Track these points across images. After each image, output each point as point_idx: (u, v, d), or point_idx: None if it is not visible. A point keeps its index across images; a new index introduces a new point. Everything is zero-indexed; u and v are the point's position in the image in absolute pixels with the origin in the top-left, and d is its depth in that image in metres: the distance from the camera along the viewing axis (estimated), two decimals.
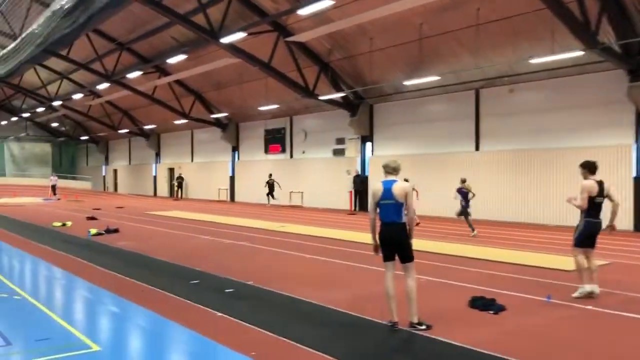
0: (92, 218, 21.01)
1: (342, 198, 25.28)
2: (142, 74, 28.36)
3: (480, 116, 20.34)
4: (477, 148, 20.42)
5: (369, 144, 24.77)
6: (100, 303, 7.69)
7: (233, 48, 20.98)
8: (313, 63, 22.68)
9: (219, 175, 34.63)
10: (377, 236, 6.33)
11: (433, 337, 5.81)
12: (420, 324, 6.03)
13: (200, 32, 19.65)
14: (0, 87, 39.37)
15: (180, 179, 37.40)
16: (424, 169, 21.54)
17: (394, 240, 6.17)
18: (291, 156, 29.23)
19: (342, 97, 23.58)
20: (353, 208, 24.21)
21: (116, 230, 16.40)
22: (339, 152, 26.08)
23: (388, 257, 6.27)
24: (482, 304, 6.93)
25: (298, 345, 5.58)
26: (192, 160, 37.88)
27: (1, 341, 5.66)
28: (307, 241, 14.07)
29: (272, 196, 28.23)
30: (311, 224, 18.74)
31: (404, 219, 6.15)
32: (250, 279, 8.87)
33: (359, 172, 24.31)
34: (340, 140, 25.92)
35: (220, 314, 6.78)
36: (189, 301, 7.46)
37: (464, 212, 15.03)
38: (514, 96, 19.11)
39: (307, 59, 22.50)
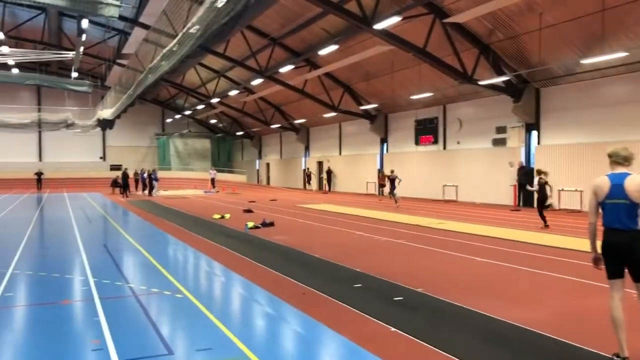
0: (249, 211, 21.39)
1: (503, 192, 23.22)
2: (293, 68, 28.52)
3: None
4: None
5: (534, 132, 22.39)
6: (262, 306, 7.13)
7: (386, 34, 20.00)
8: (472, 46, 20.95)
9: (367, 168, 34.01)
10: (598, 245, 4.94)
11: None
12: None
13: (353, 19, 18.94)
14: (165, 87, 42.39)
15: (330, 172, 37.50)
16: (602, 158, 18.83)
17: (625, 252, 4.73)
18: (444, 147, 27.62)
19: (504, 82, 21.52)
20: (517, 204, 22.05)
21: (272, 224, 16.31)
22: (499, 142, 23.99)
23: (615, 274, 4.85)
24: None
25: None
26: (340, 153, 37.74)
27: (163, 349, 5.25)
28: (473, 241, 12.68)
29: (309, 184, 40.16)
30: (472, 221, 17.20)
31: None
32: (419, 286, 7.83)
33: (524, 164, 22.07)
34: (501, 129, 23.81)
35: (393, 329, 5.83)
36: (356, 310, 6.61)
37: (392, 192, 23.38)
38: None
39: (465, 41, 20.82)
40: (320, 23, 24.65)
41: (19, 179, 45.14)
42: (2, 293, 7.69)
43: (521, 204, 22.04)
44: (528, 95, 21.86)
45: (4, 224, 17.83)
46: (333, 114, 32.79)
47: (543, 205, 15.03)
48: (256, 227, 15.68)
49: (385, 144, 32.70)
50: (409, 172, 29.93)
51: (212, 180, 41.15)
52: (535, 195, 15.89)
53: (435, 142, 28.00)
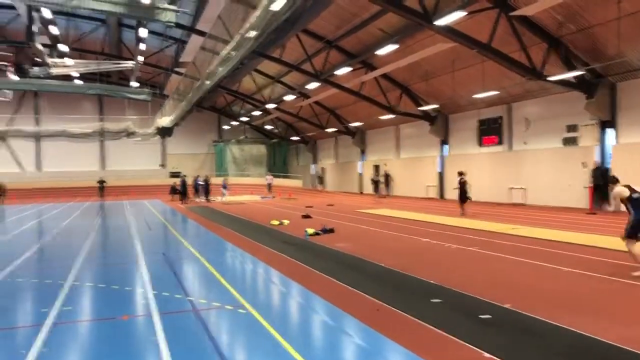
0: (307, 216, 20.88)
1: (576, 195, 21.76)
2: (349, 71, 27.87)
3: None
4: None
5: (610, 130, 20.85)
6: (333, 325, 6.50)
7: (448, 31, 19.06)
8: (540, 40, 19.71)
9: (427, 171, 32.95)
10: None
11: None
12: None
13: (413, 16, 18.14)
14: (222, 94, 42.70)
15: (387, 176, 36.63)
16: None
17: None
18: (510, 148, 26.28)
19: (576, 77, 20.15)
20: (593, 206, 20.55)
21: (332, 230, 15.70)
22: (570, 141, 22.51)
23: None
24: None
25: None
26: (398, 156, 36.79)
27: None
28: (552, 248, 11.64)
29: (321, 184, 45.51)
30: (545, 225, 16.03)
31: None
32: (506, 301, 7.01)
33: (599, 164, 20.58)
34: (572, 128, 22.34)
35: (488, 354, 5.08)
36: (440, 330, 5.88)
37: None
38: None
39: (533, 35, 19.61)
40: (378, 23, 23.96)
41: (83, 187, 46.50)
42: (61, 307, 7.38)
43: (598, 206, 20.52)
44: (602, 90, 20.38)
45: (66, 233, 18.00)
46: (390, 116, 31.94)
47: (464, 200, 20.24)
48: (316, 234, 15.12)
49: (445, 146, 31.56)
50: (471, 174, 28.66)
51: (269, 185, 41.03)
52: (457, 192, 20.57)
53: (500, 142, 26.68)
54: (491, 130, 27.18)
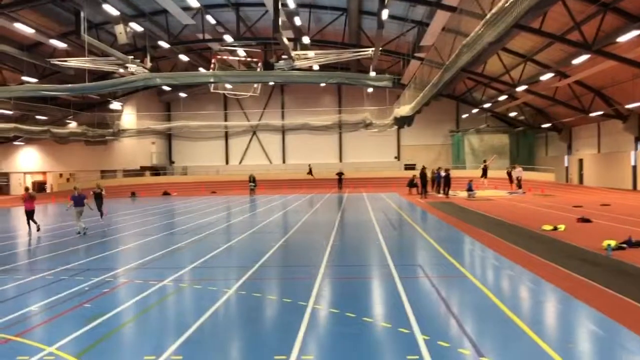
0: (585, 220, 16.52)
1: None
2: (633, 37, 22.17)
3: None
4: None
5: None
6: None
7: None
8: None
9: None
10: None
11: None
12: None
13: None
14: (463, 79, 39.20)
15: None
16: None
17: None
18: None
19: None
20: None
21: (639, 244, 11.53)
22: None
23: None
24: None
25: None
26: None
27: None
28: None
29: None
30: None
31: None
32: None
33: None
34: None
35: None
36: None
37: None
38: None
39: None
40: None
41: (322, 179, 47.46)
42: (299, 355, 5.26)
43: None
44: None
45: (308, 229, 16.81)
46: None
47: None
48: (619, 248, 11.16)
49: None
50: None
51: (518, 179, 36.32)
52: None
53: None
54: None
